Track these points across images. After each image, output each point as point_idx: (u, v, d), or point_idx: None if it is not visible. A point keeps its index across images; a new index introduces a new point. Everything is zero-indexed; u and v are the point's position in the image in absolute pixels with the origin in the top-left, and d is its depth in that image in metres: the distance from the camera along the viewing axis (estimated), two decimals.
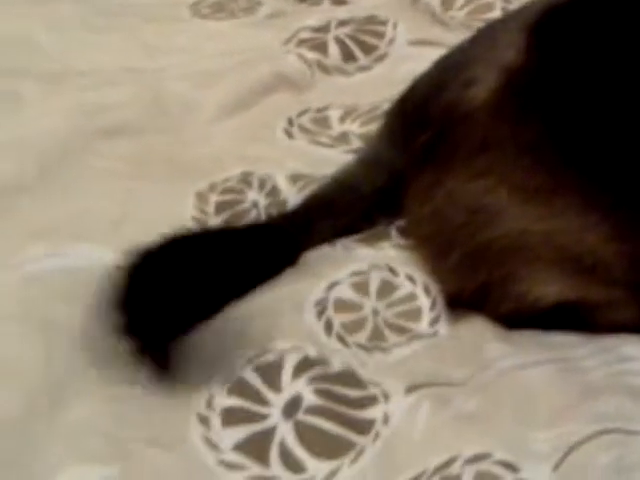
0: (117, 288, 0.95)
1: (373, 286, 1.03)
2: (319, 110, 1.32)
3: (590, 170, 0.95)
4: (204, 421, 0.90)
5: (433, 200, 1.03)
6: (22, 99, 1.34)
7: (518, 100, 1.00)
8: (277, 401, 0.91)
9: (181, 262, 0.99)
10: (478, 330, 0.98)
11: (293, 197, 1.15)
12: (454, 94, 1.04)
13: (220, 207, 1.15)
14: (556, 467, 0.82)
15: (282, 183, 1.18)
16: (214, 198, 1.16)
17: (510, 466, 0.82)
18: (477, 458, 0.83)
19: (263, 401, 0.91)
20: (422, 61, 1.21)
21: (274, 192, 1.17)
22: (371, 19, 1.47)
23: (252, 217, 1.13)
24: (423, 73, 1.13)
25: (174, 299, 0.96)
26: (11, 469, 0.87)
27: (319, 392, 0.91)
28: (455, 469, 0.83)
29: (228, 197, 1.16)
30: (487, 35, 1.12)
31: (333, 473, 0.85)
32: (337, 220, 1.10)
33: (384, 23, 1.45)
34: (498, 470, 0.82)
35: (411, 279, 1.03)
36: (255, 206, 1.15)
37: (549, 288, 0.97)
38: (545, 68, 1.00)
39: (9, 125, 1.29)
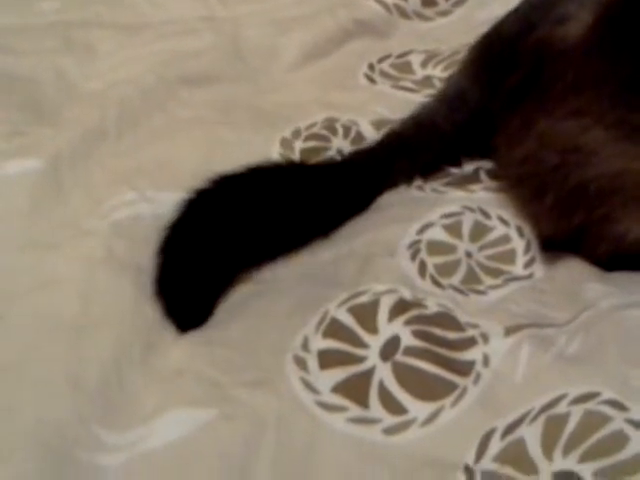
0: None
1: (466, 228, 1.01)
2: (400, 55, 1.30)
3: None
4: (301, 363, 0.89)
5: (525, 142, 1.00)
6: (99, 50, 1.34)
7: (614, 36, 0.97)
8: (374, 343, 0.90)
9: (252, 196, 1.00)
10: (575, 272, 0.96)
11: None
12: (545, 32, 1.01)
13: (305, 154, 1.13)
14: None
15: (367, 129, 1.16)
16: (299, 144, 1.15)
17: (619, 405, 0.80)
18: (585, 397, 0.81)
19: (359, 343, 0.90)
20: (502, 5, 1.18)
21: (359, 138, 1.15)
22: None
23: None
24: (510, 11, 1.10)
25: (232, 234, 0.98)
26: (109, 413, 0.87)
27: (417, 333, 0.89)
28: (562, 408, 0.81)
29: (313, 143, 1.15)
30: None
31: (435, 414, 0.84)
32: (416, 158, 1.08)
33: None
34: (607, 409, 0.80)
35: (504, 221, 1.02)
36: (340, 153, 1.13)
37: None
38: None
39: (89, 75, 1.28)
